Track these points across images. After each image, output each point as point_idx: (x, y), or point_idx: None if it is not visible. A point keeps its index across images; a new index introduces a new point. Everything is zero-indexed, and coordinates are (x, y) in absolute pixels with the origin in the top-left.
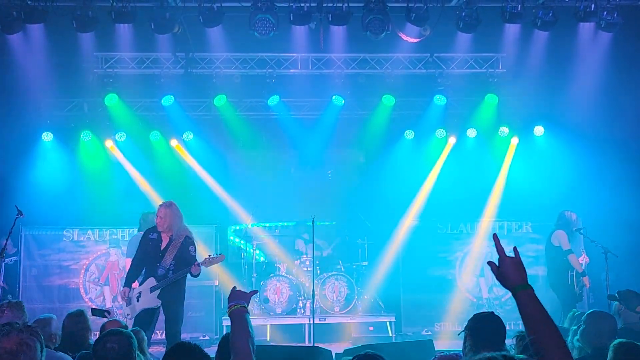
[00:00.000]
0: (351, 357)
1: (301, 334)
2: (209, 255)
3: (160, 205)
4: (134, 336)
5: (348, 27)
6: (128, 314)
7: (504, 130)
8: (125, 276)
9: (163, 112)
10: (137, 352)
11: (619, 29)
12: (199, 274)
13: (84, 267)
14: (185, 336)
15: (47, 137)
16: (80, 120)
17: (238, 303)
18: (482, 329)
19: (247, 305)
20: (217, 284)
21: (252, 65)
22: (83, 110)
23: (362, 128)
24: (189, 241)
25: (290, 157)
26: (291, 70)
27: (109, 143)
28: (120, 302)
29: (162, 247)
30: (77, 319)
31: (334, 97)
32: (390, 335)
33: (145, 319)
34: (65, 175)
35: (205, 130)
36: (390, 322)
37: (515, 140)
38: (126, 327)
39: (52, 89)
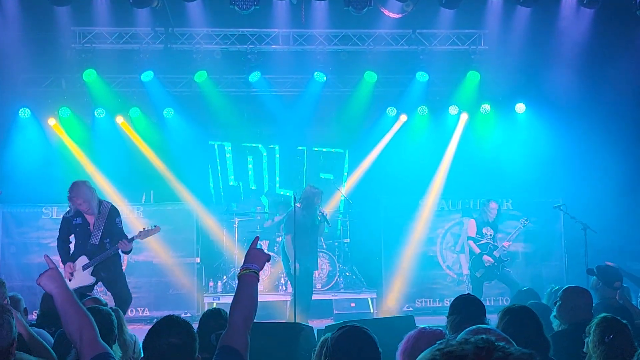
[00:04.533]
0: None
1: (283, 311)
2: (144, 228)
3: (72, 190)
4: (113, 314)
5: (330, 3)
6: None
7: (486, 107)
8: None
9: (143, 88)
10: (117, 330)
11: (601, 5)
12: (130, 250)
13: None
14: (166, 313)
15: (24, 113)
16: (58, 97)
17: (249, 267)
18: (466, 307)
19: (259, 271)
20: (198, 261)
21: (233, 40)
22: (61, 86)
23: (344, 105)
24: (114, 212)
25: (271, 134)
26: (272, 46)
27: (88, 119)
28: (67, 277)
29: (91, 227)
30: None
31: (315, 73)
32: (372, 311)
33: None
34: (43, 151)
35: (186, 107)
36: (371, 299)
37: (496, 118)
38: (106, 304)
39: (28, 64)
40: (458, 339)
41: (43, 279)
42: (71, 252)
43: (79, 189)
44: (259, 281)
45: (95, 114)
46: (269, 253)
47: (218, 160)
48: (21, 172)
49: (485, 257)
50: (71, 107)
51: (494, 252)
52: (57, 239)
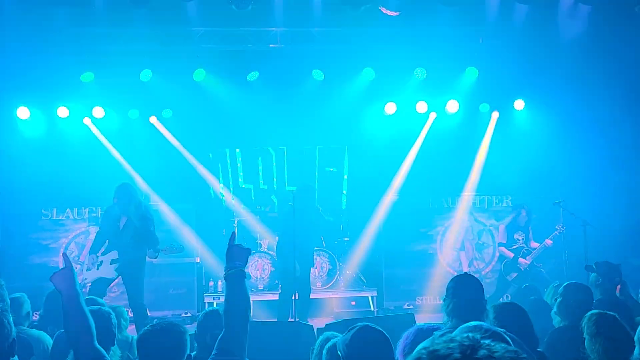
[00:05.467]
0: (332, 332)
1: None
2: (170, 244)
3: (119, 187)
4: (112, 313)
5: (327, 1)
6: (86, 279)
7: (485, 104)
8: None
9: (142, 88)
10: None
11: (599, 1)
12: (157, 257)
13: (63, 245)
14: (166, 313)
15: (23, 114)
16: (57, 97)
17: (234, 267)
18: (462, 289)
19: (244, 267)
20: (198, 261)
21: (231, 40)
22: (60, 87)
23: (343, 102)
24: (147, 216)
25: (275, 134)
26: (270, 45)
27: (87, 120)
28: (88, 266)
29: (121, 226)
30: (59, 297)
31: (314, 71)
32: (373, 309)
33: (100, 286)
34: (42, 152)
35: (185, 106)
36: (372, 297)
37: (495, 115)
38: (103, 304)
39: (27, 65)
40: (444, 338)
41: (56, 277)
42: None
43: (126, 187)
44: (246, 277)
45: (95, 115)
46: (248, 247)
47: (229, 165)
48: (20, 173)
49: (521, 260)
50: (70, 108)
51: (527, 257)
52: (97, 231)
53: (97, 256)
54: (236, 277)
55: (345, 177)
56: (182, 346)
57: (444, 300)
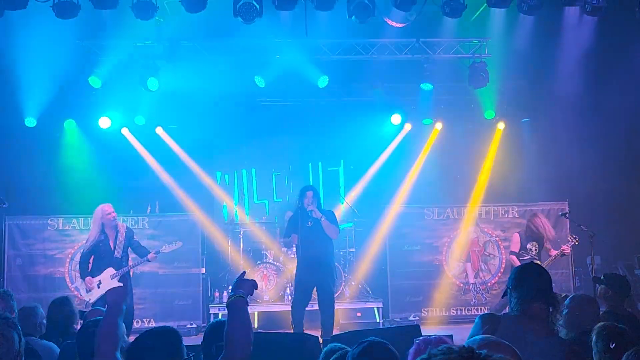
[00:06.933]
0: (336, 344)
1: (289, 321)
2: (166, 245)
3: (107, 206)
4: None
5: (333, 13)
6: (90, 299)
7: (491, 114)
8: (80, 270)
9: (148, 99)
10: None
11: (604, 13)
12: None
13: (69, 256)
14: (172, 324)
15: (30, 124)
16: (64, 107)
17: (236, 294)
18: (528, 277)
19: (246, 296)
20: (203, 272)
21: (238, 50)
22: (67, 96)
23: (348, 114)
24: (129, 231)
25: (276, 145)
26: (277, 56)
27: (94, 130)
28: (89, 287)
29: (112, 244)
30: (61, 307)
31: (319, 79)
32: (378, 321)
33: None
34: (49, 162)
35: (192, 117)
36: (377, 308)
37: (501, 126)
38: None
39: (34, 75)
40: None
41: (111, 290)
42: (90, 267)
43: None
44: (247, 304)
45: (101, 125)
46: (253, 280)
47: (245, 183)
48: (26, 183)
49: None
50: (77, 117)
51: None
52: (82, 255)
53: (92, 277)
54: (237, 303)
55: (347, 203)
56: (175, 349)
57: (511, 292)
